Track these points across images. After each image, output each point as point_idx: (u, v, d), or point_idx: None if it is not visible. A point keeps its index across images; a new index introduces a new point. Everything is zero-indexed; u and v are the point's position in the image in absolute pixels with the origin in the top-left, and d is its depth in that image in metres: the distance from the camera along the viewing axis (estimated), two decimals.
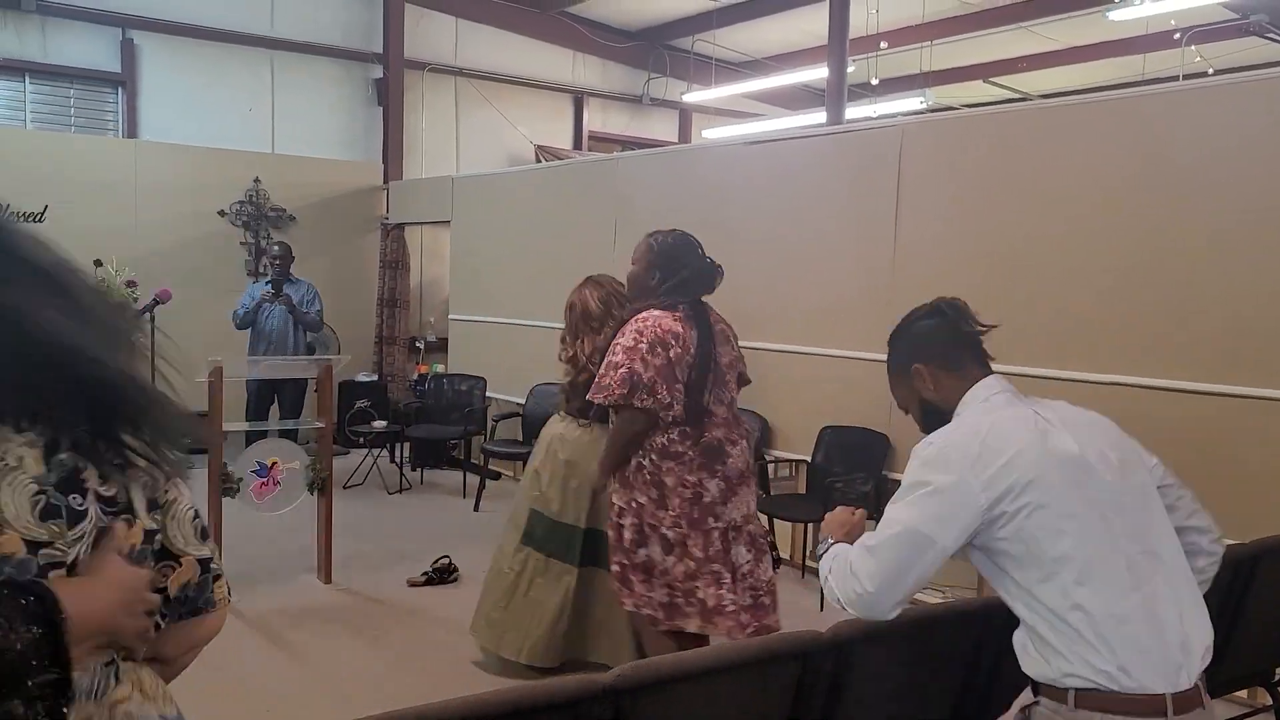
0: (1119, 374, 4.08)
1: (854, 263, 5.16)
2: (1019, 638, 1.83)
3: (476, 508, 6.63)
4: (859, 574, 1.83)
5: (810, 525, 5.30)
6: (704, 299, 3.30)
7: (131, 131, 8.74)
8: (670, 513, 3.14)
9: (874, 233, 5.05)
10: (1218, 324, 3.84)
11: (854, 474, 5.03)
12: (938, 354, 2.02)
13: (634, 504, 3.18)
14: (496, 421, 7.18)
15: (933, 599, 4.96)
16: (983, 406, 1.92)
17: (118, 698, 1.15)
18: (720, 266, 3.35)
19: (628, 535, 3.20)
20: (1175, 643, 1.73)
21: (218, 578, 1.30)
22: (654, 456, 3.15)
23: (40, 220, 7.74)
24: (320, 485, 4.90)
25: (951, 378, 1.99)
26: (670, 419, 3.11)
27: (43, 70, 8.47)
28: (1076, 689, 1.71)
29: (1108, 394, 4.00)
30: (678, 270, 3.25)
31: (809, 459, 5.30)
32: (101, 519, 1.13)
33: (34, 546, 1.07)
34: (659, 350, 3.09)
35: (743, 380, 3.37)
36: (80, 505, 1.11)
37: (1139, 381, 4.03)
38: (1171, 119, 4.07)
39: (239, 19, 9.13)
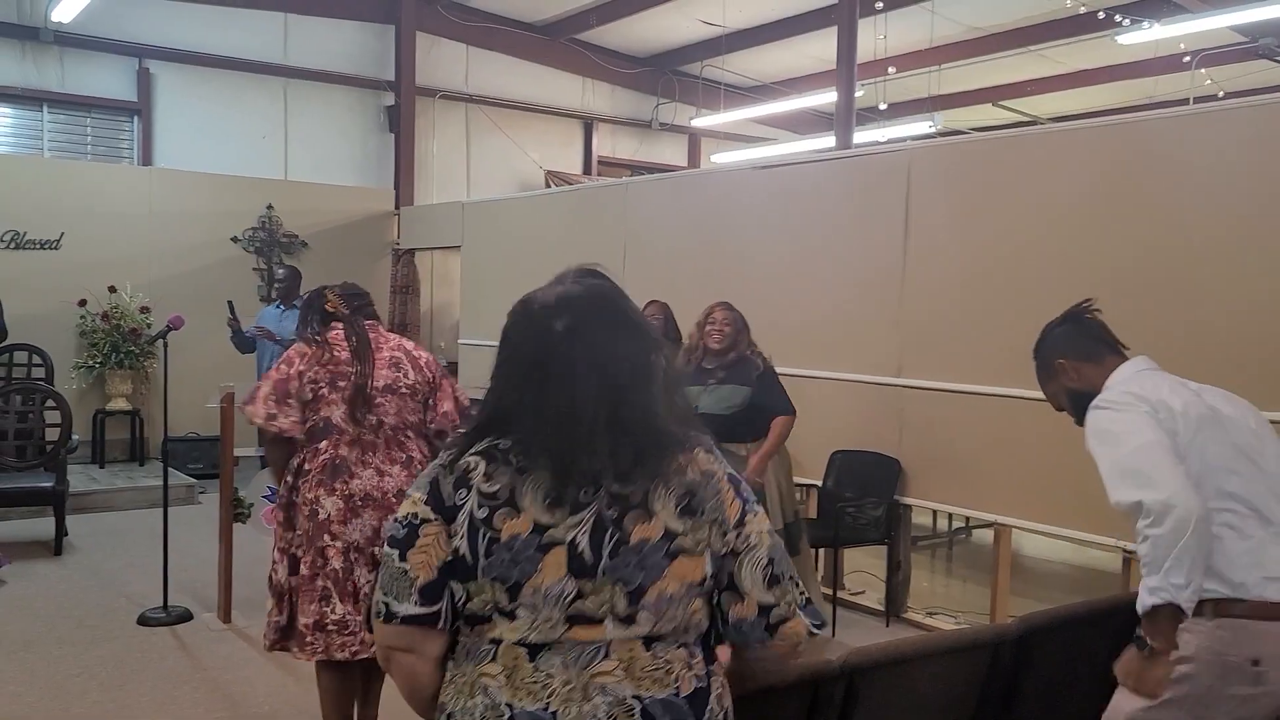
0: None
1: (863, 287, 5.16)
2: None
3: None
4: (1146, 498, 1.93)
5: (821, 550, 5.28)
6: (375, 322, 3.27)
7: (147, 159, 8.83)
8: (295, 532, 3.12)
9: (883, 256, 5.06)
10: (1232, 346, 3.82)
11: (866, 499, 5.01)
12: (1074, 349, 2.32)
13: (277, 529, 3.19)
14: None
15: (947, 624, 4.93)
16: (1131, 376, 2.20)
17: (599, 670, 1.38)
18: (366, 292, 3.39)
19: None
20: None
21: (783, 622, 1.49)
22: (289, 478, 3.15)
23: (57, 247, 7.83)
24: None
25: (1091, 367, 2.28)
26: (294, 436, 3.11)
27: (60, 99, 8.59)
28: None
29: None
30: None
31: (819, 484, 5.28)
32: None
33: None
34: (280, 367, 3.15)
35: (431, 415, 3.22)
36: None
37: None
38: (1181, 142, 4.07)
39: (253, 48, 9.24)
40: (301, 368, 3.12)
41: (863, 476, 5.09)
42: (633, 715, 1.38)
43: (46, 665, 4.14)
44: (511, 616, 1.39)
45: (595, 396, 1.39)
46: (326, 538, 3.06)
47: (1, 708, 3.77)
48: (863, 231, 5.18)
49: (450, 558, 1.41)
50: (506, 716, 1.38)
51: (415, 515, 1.43)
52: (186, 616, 4.73)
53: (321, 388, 3.11)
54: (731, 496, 1.46)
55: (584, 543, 1.39)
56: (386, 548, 1.45)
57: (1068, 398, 2.32)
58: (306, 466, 3.11)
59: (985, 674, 2.22)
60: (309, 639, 3.08)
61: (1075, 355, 2.30)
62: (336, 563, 3.06)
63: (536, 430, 1.40)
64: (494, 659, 1.40)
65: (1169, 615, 1.91)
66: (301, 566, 3.10)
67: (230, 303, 6.76)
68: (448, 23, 10.10)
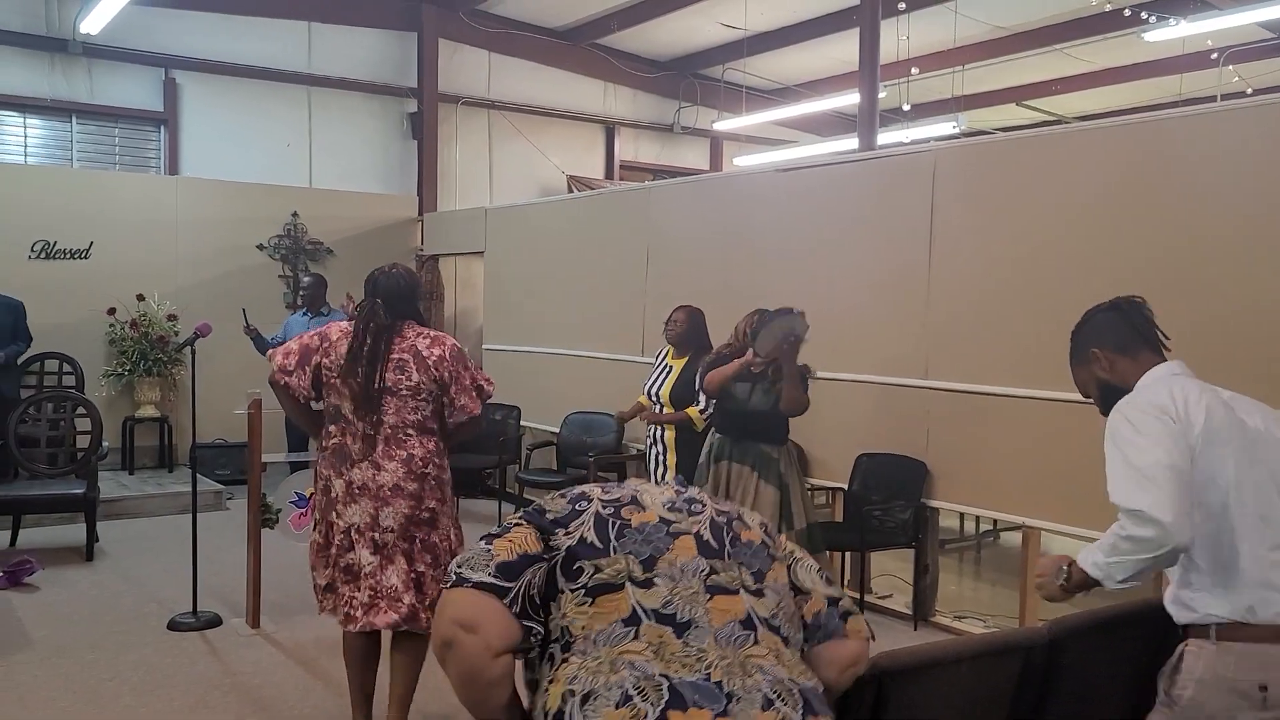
0: None
1: (888, 288, 5.13)
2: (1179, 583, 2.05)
3: None
4: (1142, 507, 1.89)
5: (848, 554, 5.25)
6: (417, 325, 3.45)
7: (173, 168, 8.93)
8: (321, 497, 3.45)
9: (908, 258, 5.03)
10: (1261, 345, 3.78)
11: (893, 501, 4.98)
12: (1112, 340, 2.22)
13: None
14: (531, 450, 7.20)
15: (975, 628, 4.89)
16: (1163, 379, 2.12)
17: (751, 653, 1.50)
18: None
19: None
20: None
21: (848, 615, 1.71)
22: (320, 447, 3.48)
23: (86, 256, 7.92)
24: None
25: (1126, 361, 2.19)
26: (298, 394, 3.41)
27: (89, 110, 8.69)
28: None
29: None
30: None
31: (845, 486, 5.26)
32: None
33: None
34: (314, 337, 3.45)
35: (449, 411, 3.40)
36: None
37: None
38: (1208, 140, 4.03)
39: (277, 57, 9.33)
40: (320, 345, 3.39)
41: (889, 479, 5.06)
42: (793, 695, 1.47)
43: (80, 670, 4.19)
44: (647, 585, 1.51)
45: None
46: (334, 514, 3.36)
47: (37, 712, 3.81)
48: (887, 233, 5.16)
49: (540, 551, 1.56)
50: (665, 685, 1.40)
51: (510, 522, 1.65)
52: (216, 621, 4.77)
53: (333, 376, 3.35)
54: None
55: (707, 534, 1.62)
56: (482, 541, 1.61)
57: (1097, 387, 2.24)
58: (324, 445, 3.42)
59: (1016, 678, 2.20)
60: (321, 599, 3.43)
61: (1113, 346, 2.21)
62: (337, 538, 3.34)
63: None
64: (636, 637, 1.46)
65: (1091, 582, 2.00)
66: (317, 534, 3.43)
67: (244, 310, 6.82)
68: (469, 29, 10.15)
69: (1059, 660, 2.21)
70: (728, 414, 4.45)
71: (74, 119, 8.68)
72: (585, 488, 1.70)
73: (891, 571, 5.51)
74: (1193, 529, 1.90)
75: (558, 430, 6.98)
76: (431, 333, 3.44)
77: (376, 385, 3.30)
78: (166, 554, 5.86)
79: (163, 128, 9.00)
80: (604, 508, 1.62)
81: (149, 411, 7.91)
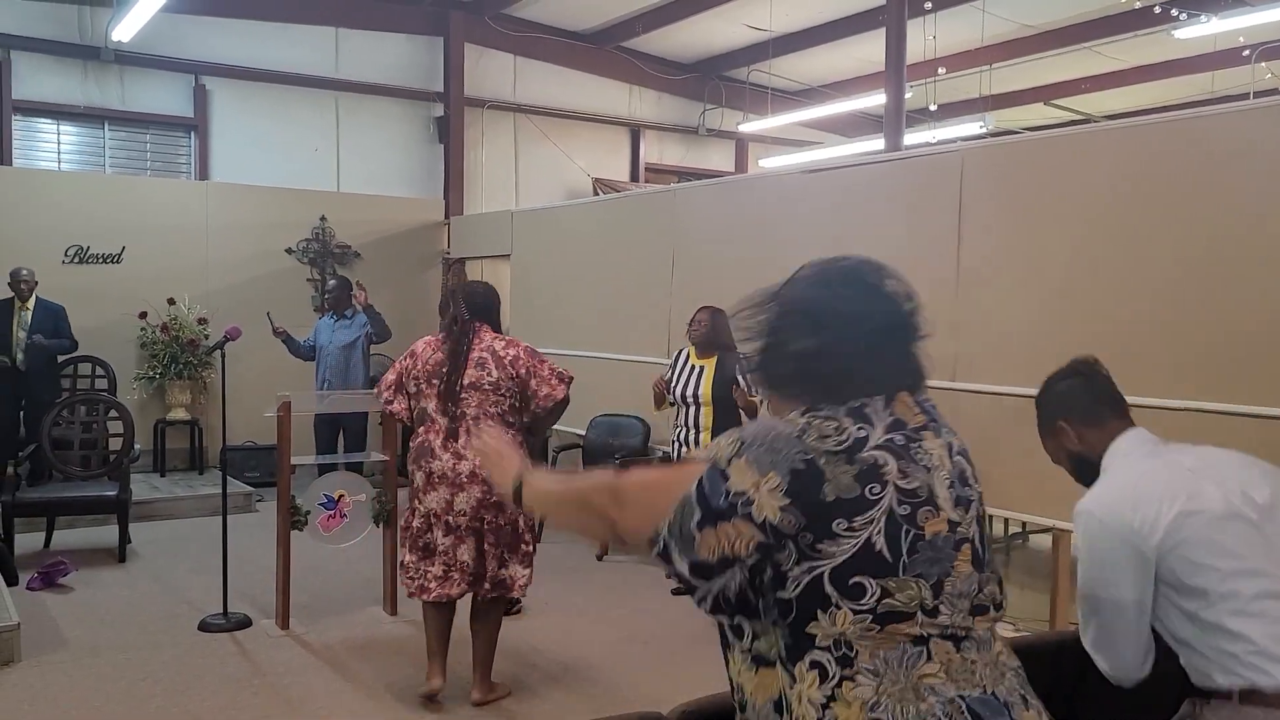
0: (1188, 399, 3.97)
1: (915, 290, 5.09)
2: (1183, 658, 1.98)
3: (538, 539, 6.64)
4: (1095, 655, 2.03)
5: None
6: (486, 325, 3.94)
7: (203, 173, 9.02)
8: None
9: (936, 260, 4.99)
10: None
11: None
12: (1078, 410, 2.20)
13: None
14: (558, 453, 7.21)
15: (1005, 632, 4.84)
16: (1124, 461, 2.08)
17: (998, 650, 1.44)
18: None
19: None
20: None
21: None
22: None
23: (118, 261, 8.02)
24: (385, 517, 4.96)
25: (1094, 431, 2.17)
26: (402, 419, 4.00)
27: (121, 117, 8.81)
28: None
29: (1177, 419, 3.89)
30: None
31: None
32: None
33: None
34: (403, 360, 3.98)
35: (534, 402, 3.86)
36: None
37: (1211, 406, 3.91)
38: (1241, 137, 3.97)
39: (305, 62, 9.41)
40: (409, 364, 3.92)
41: None
42: (1027, 684, 1.46)
43: (113, 670, 4.24)
44: (935, 614, 1.36)
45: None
46: (415, 502, 3.86)
47: (70, 712, 3.86)
48: (915, 234, 5.13)
49: (750, 553, 1.33)
50: (963, 708, 1.34)
51: (749, 496, 1.33)
52: (246, 623, 4.81)
53: (420, 383, 3.87)
54: None
55: (976, 539, 1.44)
56: (694, 501, 1.35)
57: (1068, 459, 2.23)
58: (411, 444, 3.90)
59: (1047, 682, 2.18)
60: (405, 577, 3.93)
61: (1079, 418, 2.19)
62: (417, 522, 3.86)
63: (884, 371, 1.46)
64: (930, 658, 1.35)
65: None
66: (410, 516, 3.92)
67: (269, 314, 6.88)
68: (495, 34, 10.19)
69: (1091, 664, 2.19)
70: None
71: (106, 125, 8.80)
72: (875, 455, 1.36)
73: None
74: (1140, 662, 1.98)
75: (584, 433, 6.99)
76: (506, 337, 3.96)
77: (459, 380, 3.78)
78: (197, 555, 5.92)
79: (193, 133, 9.10)
80: (900, 503, 1.35)
81: (180, 414, 8.00)
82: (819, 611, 1.33)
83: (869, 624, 1.33)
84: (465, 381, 3.77)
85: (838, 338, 1.46)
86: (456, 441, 3.76)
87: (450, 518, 3.78)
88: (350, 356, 7.06)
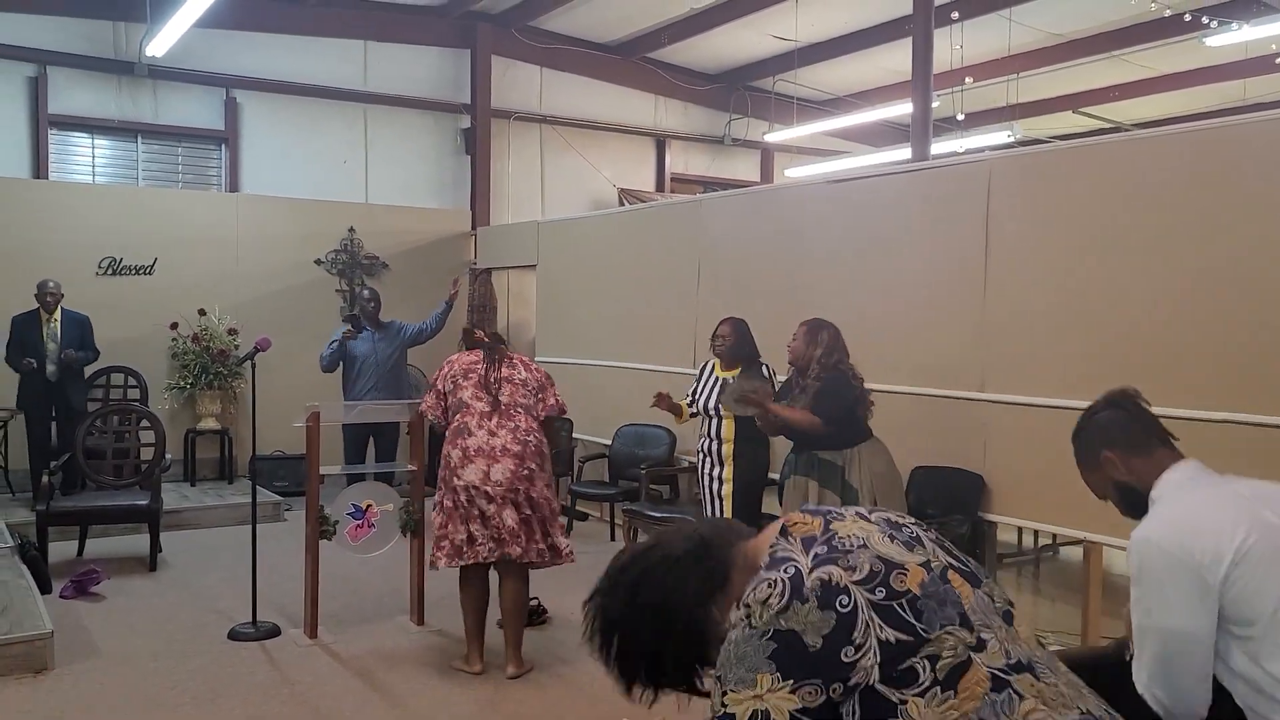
0: (1225, 410, 3.92)
1: (944, 301, 5.07)
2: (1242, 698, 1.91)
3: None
4: (1153, 689, 1.94)
5: None
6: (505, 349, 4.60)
7: (234, 185, 9.12)
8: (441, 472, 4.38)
9: (964, 270, 4.97)
10: None
11: (950, 515, 4.91)
12: (1122, 440, 2.14)
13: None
14: (583, 463, 7.22)
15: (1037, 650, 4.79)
16: (1178, 492, 2.02)
17: (1063, 670, 1.37)
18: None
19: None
20: None
21: None
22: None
23: (150, 272, 8.12)
24: (413, 527, 4.98)
25: (1140, 460, 2.11)
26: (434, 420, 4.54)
27: (153, 130, 8.93)
28: None
29: (1215, 432, 3.84)
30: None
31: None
32: None
33: None
34: (441, 369, 4.59)
35: (544, 407, 4.51)
36: None
37: (1244, 419, 3.86)
38: (1274, 145, 3.92)
39: (334, 75, 9.50)
40: (446, 369, 4.53)
41: (946, 493, 4.99)
42: (1101, 700, 1.40)
43: (143, 679, 4.27)
44: (982, 647, 1.31)
45: None
46: (455, 479, 4.27)
47: (102, 719, 3.90)
48: (942, 244, 5.10)
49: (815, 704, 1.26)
50: None
51: (765, 713, 1.26)
52: (275, 632, 4.84)
53: (459, 379, 4.46)
54: None
55: (951, 560, 1.42)
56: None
57: (1115, 490, 2.16)
58: (447, 431, 4.41)
59: None
60: (444, 551, 4.29)
61: (1124, 447, 2.12)
62: (462, 497, 4.25)
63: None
64: (1021, 697, 1.28)
65: None
66: (444, 500, 4.32)
67: (350, 320, 7.09)
68: (522, 46, 10.25)
69: (1127, 680, 2.16)
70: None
71: (139, 139, 8.92)
72: (818, 576, 1.32)
73: None
74: (1207, 701, 1.89)
75: (609, 443, 6.99)
76: (526, 359, 4.67)
77: (496, 374, 4.43)
78: (226, 564, 5.97)
79: (224, 146, 9.20)
80: (870, 592, 1.30)
81: (210, 424, 8.08)
82: (892, 718, 1.28)
83: (940, 693, 1.27)
84: (500, 374, 4.43)
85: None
86: (491, 421, 4.30)
87: (489, 488, 4.22)
88: (399, 367, 7.11)
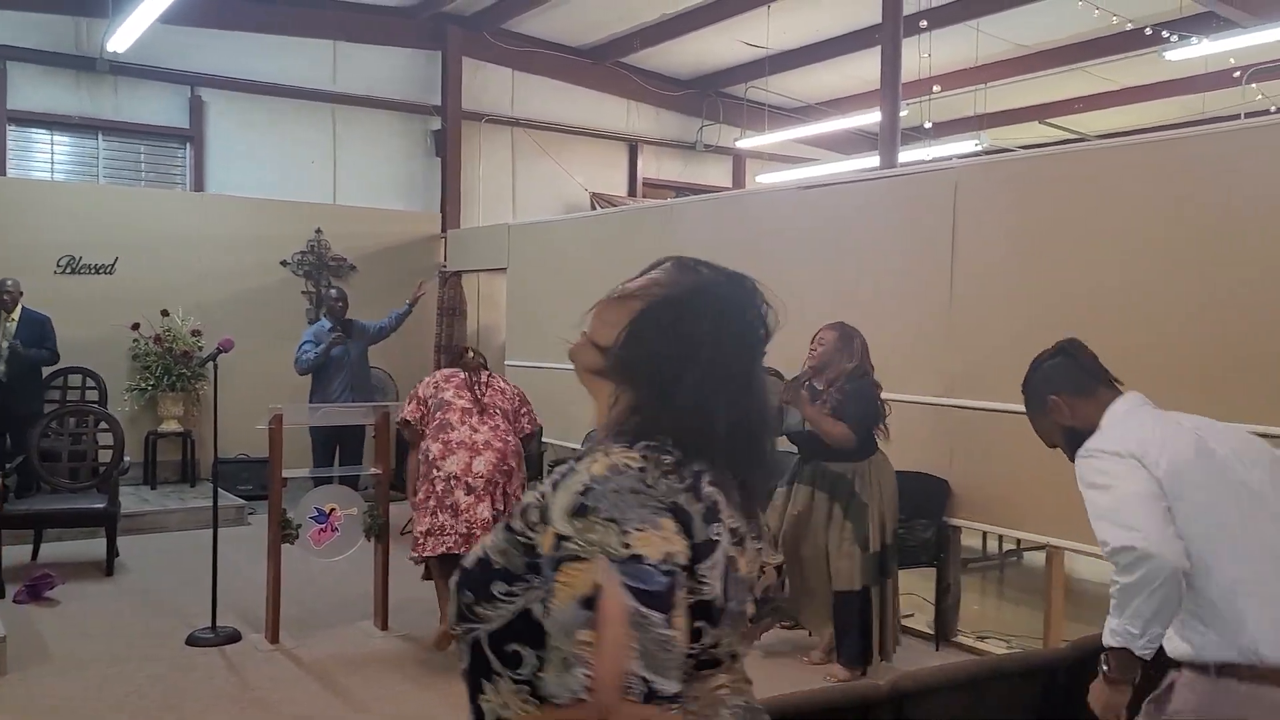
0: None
1: (910, 307, 5.10)
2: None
3: None
4: (1125, 544, 1.89)
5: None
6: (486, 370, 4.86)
7: (199, 185, 9.01)
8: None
9: (930, 276, 5.00)
10: None
11: (914, 520, 4.93)
12: (1067, 384, 2.21)
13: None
14: (552, 467, 7.16)
15: (998, 649, 4.82)
16: (1123, 416, 2.11)
17: (716, 684, 1.26)
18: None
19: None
20: None
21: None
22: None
23: (111, 272, 8.00)
24: (377, 531, 4.93)
25: (1086, 403, 2.18)
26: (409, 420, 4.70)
27: (115, 127, 8.79)
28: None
29: None
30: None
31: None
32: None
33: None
34: (424, 379, 4.86)
35: (527, 420, 4.84)
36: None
37: None
38: (1234, 158, 3.99)
39: (303, 75, 9.41)
40: (429, 380, 4.77)
41: (911, 497, 5.00)
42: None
43: (99, 684, 4.19)
44: (736, 658, 1.27)
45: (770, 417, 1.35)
46: (434, 472, 4.44)
47: None
48: (909, 251, 5.13)
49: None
50: None
51: (676, 558, 1.13)
52: (235, 637, 4.77)
53: (440, 384, 4.69)
54: None
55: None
56: (644, 607, 1.09)
57: (1061, 434, 2.21)
58: (426, 429, 4.57)
59: (1039, 699, 2.17)
60: (421, 540, 4.44)
61: (1070, 391, 2.19)
62: (439, 488, 4.41)
63: (735, 451, 1.25)
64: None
65: (1124, 655, 1.91)
66: (419, 493, 4.50)
67: (341, 326, 6.98)
68: (493, 48, 10.21)
69: (1083, 681, 2.18)
70: (792, 432, 4.43)
71: (100, 136, 8.78)
72: (710, 490, 1.21)
73: (913, 591, 5.45)
74: (1182, 551, 1.87)
75: (578, 448, 6.96)
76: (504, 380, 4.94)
77: (478, 379, 4.71)
78: (187, 569, 5.88)
79: (188, 145, 9.09)
80: (731, 545, 1.22)
81: (172, 426, 7.96)
82: None
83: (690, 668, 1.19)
84: (483, 380, 4.70)
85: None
86: (473, 418, 4.53)
87: (470, 479, 4.39)
88: (366, 366, 7.10)
